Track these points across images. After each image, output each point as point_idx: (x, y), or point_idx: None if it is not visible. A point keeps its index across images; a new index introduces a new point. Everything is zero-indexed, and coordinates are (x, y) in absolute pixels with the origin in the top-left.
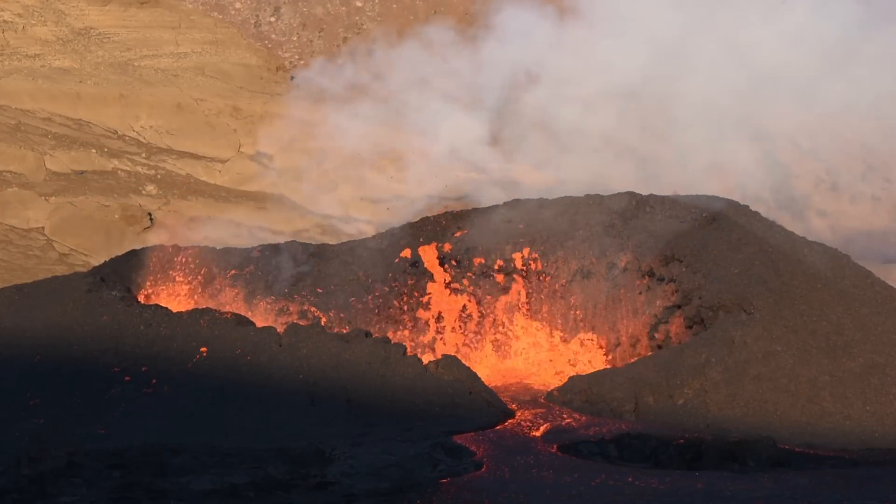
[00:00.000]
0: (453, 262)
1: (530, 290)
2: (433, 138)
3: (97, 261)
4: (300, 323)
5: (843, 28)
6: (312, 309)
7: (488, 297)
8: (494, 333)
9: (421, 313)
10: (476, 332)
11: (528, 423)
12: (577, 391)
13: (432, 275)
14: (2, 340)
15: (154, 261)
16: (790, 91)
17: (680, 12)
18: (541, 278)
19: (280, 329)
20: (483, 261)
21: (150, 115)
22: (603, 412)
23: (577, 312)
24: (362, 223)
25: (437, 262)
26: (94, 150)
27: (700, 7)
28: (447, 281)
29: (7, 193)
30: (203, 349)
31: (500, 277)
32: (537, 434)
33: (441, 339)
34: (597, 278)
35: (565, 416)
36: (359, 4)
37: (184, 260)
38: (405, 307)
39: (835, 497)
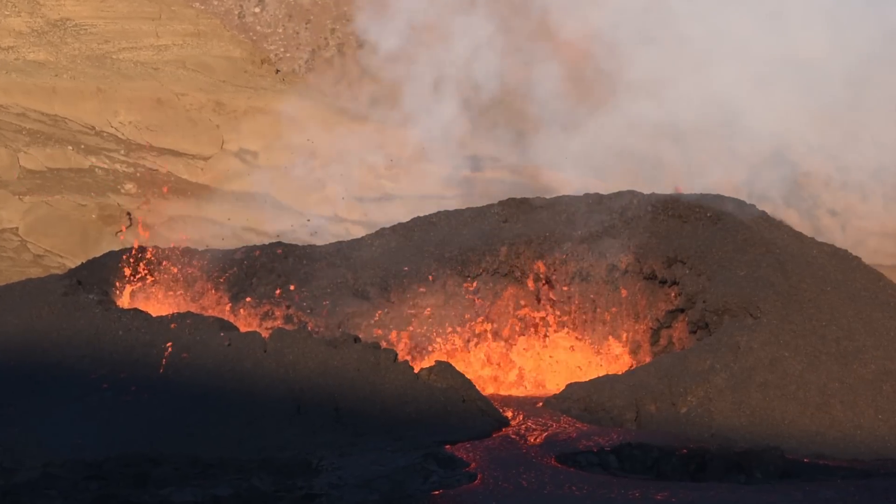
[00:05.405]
0: (446, 264)
1: (526, 294)
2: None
3: (73, 263)
4: (286, 328)
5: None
6: (299, 313)
7: (483, 301)
8: (489, 338)
9: (413, 318)
10: (470, 338)
11: (524, 433)
12: (576, 399)
13: (424, 277)
14: None
15: (133, 263)
16: (799, 85)
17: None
18: (537, 281)
19: (265, 334)
20: (477, 262)
21: (128, 111)
22: (603, 420)
23: (576, 316)
24: (351, 224)
25: (431, 263)
26: (70, 147)
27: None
28: (440, 284)
29: None
30: (184, 355)
31: (494, 280)
32: (534, 444)
33: (433, 344)
34: (596, 281)
35: (563, 424)
36: None
37: (164, 262)
38: (396, 311)
39: None
